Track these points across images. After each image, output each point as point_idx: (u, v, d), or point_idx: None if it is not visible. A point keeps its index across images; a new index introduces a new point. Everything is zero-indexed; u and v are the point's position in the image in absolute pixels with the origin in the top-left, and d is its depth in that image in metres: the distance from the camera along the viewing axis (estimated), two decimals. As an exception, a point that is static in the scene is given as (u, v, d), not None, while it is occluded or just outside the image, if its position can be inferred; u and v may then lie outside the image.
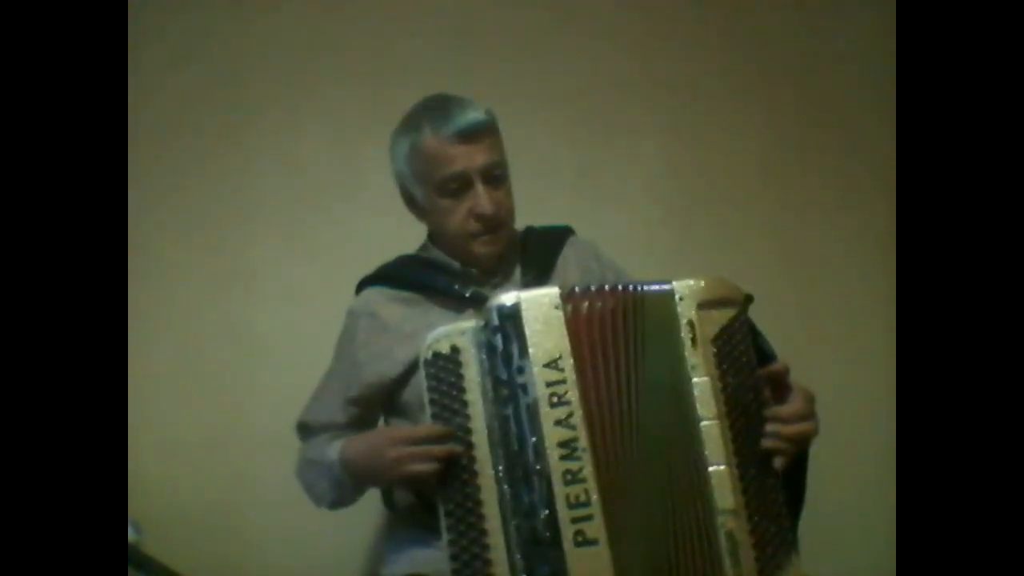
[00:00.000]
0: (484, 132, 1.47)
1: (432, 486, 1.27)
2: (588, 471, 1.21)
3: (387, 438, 1.37)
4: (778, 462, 1.26)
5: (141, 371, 1.83)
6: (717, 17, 2.25)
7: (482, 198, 1.46)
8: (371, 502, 1.68)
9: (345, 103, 2.10)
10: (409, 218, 1.59)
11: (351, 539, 1.95)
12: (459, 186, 1.47)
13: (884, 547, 1.59)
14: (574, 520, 1.19)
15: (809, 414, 1.30)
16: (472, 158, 1.46)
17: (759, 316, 1.37)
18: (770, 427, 1.26)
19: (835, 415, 2.05)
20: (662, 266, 1.65)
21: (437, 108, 1.49)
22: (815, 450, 1.39)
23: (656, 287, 1.29)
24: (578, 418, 1.22)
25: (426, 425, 1.30)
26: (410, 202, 1.57)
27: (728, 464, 1.22)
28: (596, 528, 1.19)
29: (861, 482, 2.04)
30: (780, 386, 1.31)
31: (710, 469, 1.22)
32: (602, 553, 1.19)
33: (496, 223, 1.49)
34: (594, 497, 1.20)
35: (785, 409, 1.28)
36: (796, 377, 1.34)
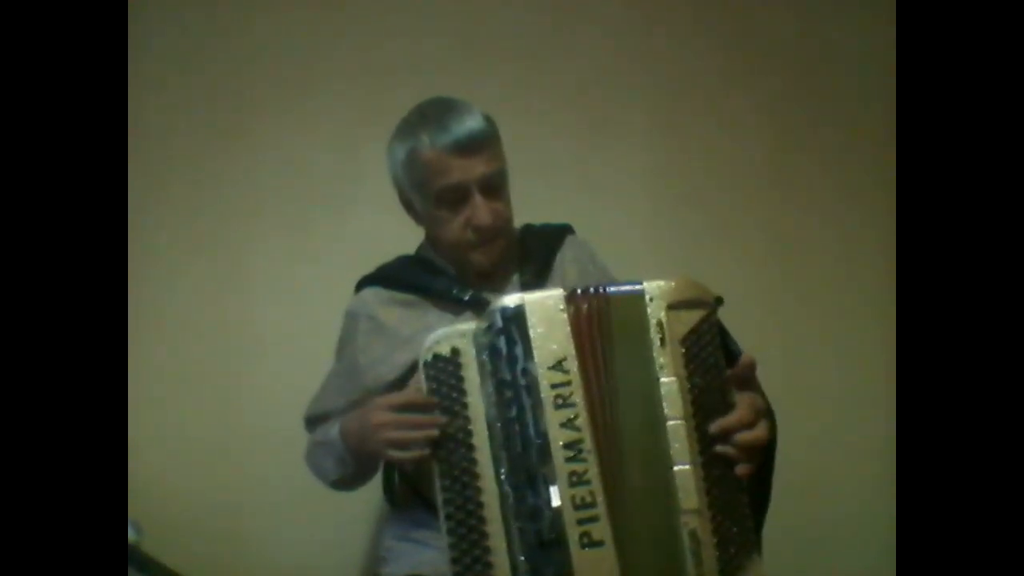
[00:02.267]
0: (483, 142, 1.44)
1: (413, 459, 1.28)
2: (593, 472, 1.21)
3: (374, 405, 1.36)
4: (741, 469, 1.25)
5: (141, 371, 1.83)
6: (715, 16, 2.25)
7: (480, 210, 1.44)
8: (371, 503, 1.68)
9: (345, 103, 2.10)
10: (409, 218, 1.58)
11: (351, 539, 1.95)
12: (456, 197, 1.44)
13: (884, 548, 1.59)
14: (580, 521, 1.19)
15: (751, 422, 1.27)
16: (470, 170, 1.43)
17: (757, 313, 1.37)
18: (715, 429, 1.25)
19: (835, 415, 2.07)
20: (660, 265, 1.65)
21: (435, 116, 1.46)
22: (815, 449, 1.39)
23: (627, 288, 1.29)
24: (583, 419, 1.22)
25: (408, 391, 1.30)
26: (407, 206, 1.56)
27: (693, 464, 1.22)
28: (602, 529, 1.19)
29: (861, 482, 2.04)
30: (747, 384, 1.30)
31: (675, 468, 1.22)
32: (608, 554, 1.19)
33: (493, 233, 1.47)
34: (600, 498, 1.20)
35: (726, 420, 1.26)
36: (795, 376, 1.34)
